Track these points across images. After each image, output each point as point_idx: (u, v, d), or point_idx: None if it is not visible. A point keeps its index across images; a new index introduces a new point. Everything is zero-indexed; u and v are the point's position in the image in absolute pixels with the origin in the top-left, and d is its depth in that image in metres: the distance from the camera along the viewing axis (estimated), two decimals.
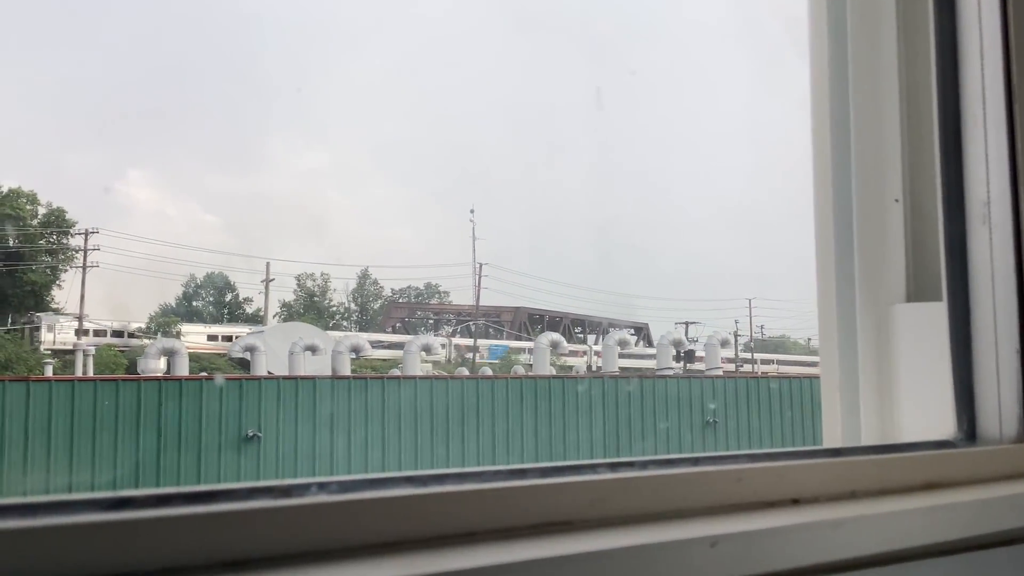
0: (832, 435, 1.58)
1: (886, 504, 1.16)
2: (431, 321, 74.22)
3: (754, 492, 1.07)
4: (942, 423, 1.51)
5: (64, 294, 52.32)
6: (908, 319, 1.58)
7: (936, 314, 1.54)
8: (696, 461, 1.04)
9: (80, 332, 44.91)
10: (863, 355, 1.58)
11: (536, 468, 0.96)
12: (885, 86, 1.63)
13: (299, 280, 71.21)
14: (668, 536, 0.94)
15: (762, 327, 69.84)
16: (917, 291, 1.61)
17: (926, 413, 1.54)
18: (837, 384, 1.59)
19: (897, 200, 1.62)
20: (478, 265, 56.70)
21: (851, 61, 1.62)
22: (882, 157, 1.62)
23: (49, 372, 31.58)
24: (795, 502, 1.11)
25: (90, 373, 31.76)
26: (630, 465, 0.99)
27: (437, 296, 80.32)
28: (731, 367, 42.08)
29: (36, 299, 51.16)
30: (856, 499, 1.18)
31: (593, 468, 0.96)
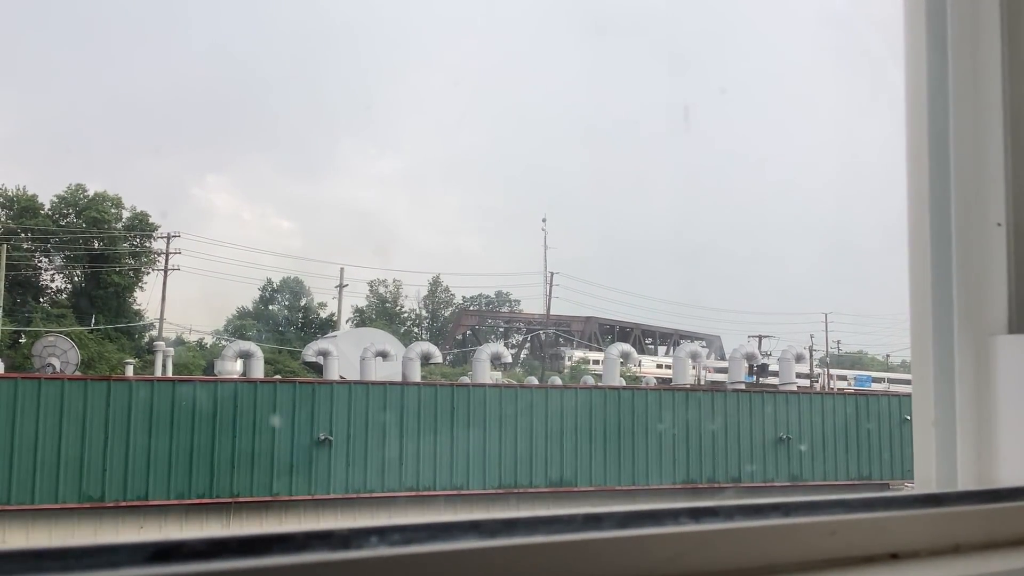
0: (925, 476, 1.48)
1: (994, 560, 1.07)
2: (501, 329, 74.41)
3: (850, 545, 0.99)
4: None
5: (145, 296, 53.85)
6: (1010, 352, 1.47)
7: None
8: (787, 510, 0.96)
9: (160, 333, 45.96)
10: (960, 390, 1.47)
11: (613, 515, 0.89)
12: (988, 100, 1.52)
13: (371, 286, 72.20)
14: None
15: (838, 342, 68.59)
16: (1020, 322, 1.50)
17: None
18: (932, 420, 1.48)
19: (1000, 224, 1.51)
20: (549, 274, 56.60)
21: (951, 72, 1.52)
22: (984, 177, 1.52)
23: (129, 372, 32.46)
24: (894, 557, 1.02)
25: (169, 374, 32.49)
26: (714, 513, 0.91)
27: (508, 304, 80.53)
28: (805, 382, 41.23)
29: (119, 300, 52.67)
30: (960, 553, 1.08)
31: (674, 516, 0.89)
